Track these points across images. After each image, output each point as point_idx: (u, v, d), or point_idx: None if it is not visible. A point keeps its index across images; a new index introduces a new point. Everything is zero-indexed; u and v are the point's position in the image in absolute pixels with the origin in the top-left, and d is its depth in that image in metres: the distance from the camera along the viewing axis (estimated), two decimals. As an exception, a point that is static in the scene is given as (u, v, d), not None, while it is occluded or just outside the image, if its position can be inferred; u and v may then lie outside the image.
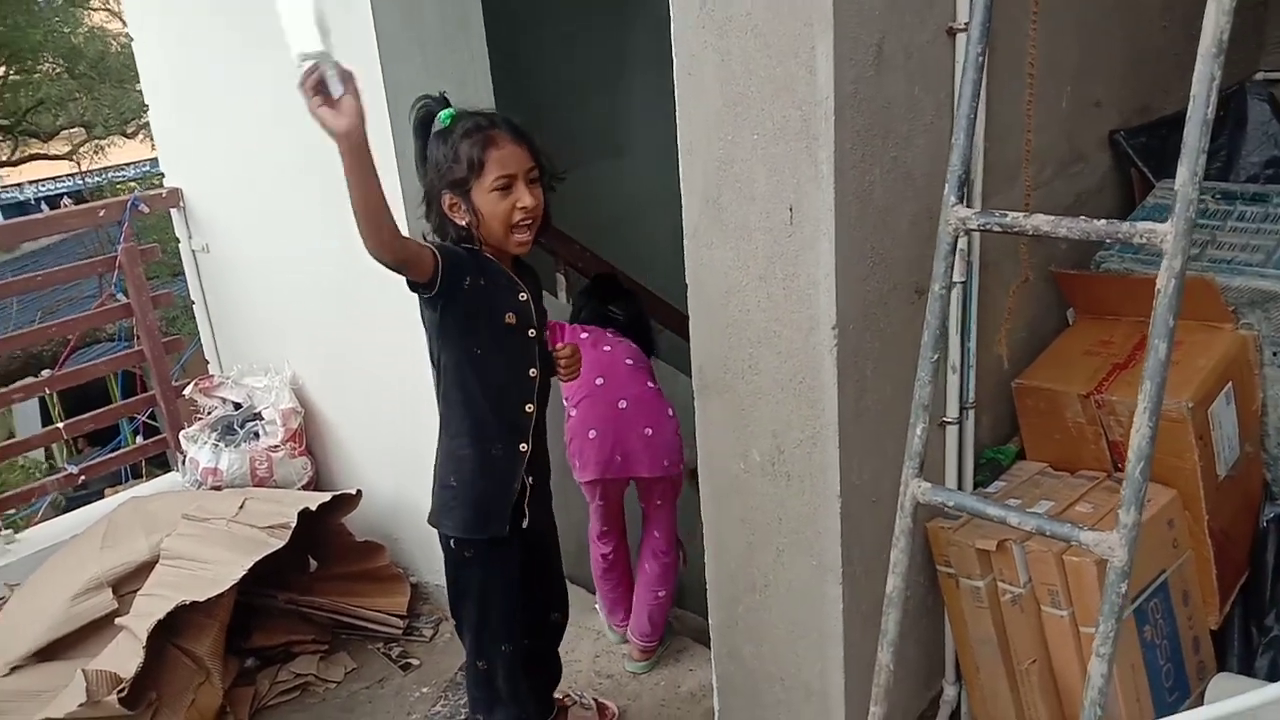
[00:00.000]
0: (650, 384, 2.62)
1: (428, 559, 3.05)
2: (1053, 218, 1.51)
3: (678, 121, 1.86)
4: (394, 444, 3.02)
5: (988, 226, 1.60)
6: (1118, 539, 1.47)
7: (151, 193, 3.34)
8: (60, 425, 3.25)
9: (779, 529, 2.01)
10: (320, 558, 3.02)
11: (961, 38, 1.83)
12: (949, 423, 2.13)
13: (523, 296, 1.98)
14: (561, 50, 4.12)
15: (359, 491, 2.90)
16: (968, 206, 1.67)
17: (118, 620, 2.52)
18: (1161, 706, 2.03)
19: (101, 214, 3.30)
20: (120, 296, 3.28)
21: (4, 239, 3.28)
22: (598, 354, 2.65)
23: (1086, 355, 2.30)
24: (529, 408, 2.01)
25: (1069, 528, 1.54)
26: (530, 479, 2.03)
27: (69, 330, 3.47)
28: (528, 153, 1.88)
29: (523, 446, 2.01)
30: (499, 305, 1.94)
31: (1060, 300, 2.49)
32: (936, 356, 1.66)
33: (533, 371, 2.01)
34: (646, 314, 2.82)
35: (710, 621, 2.25)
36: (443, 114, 1.85)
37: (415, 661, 2.81)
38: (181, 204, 3.35)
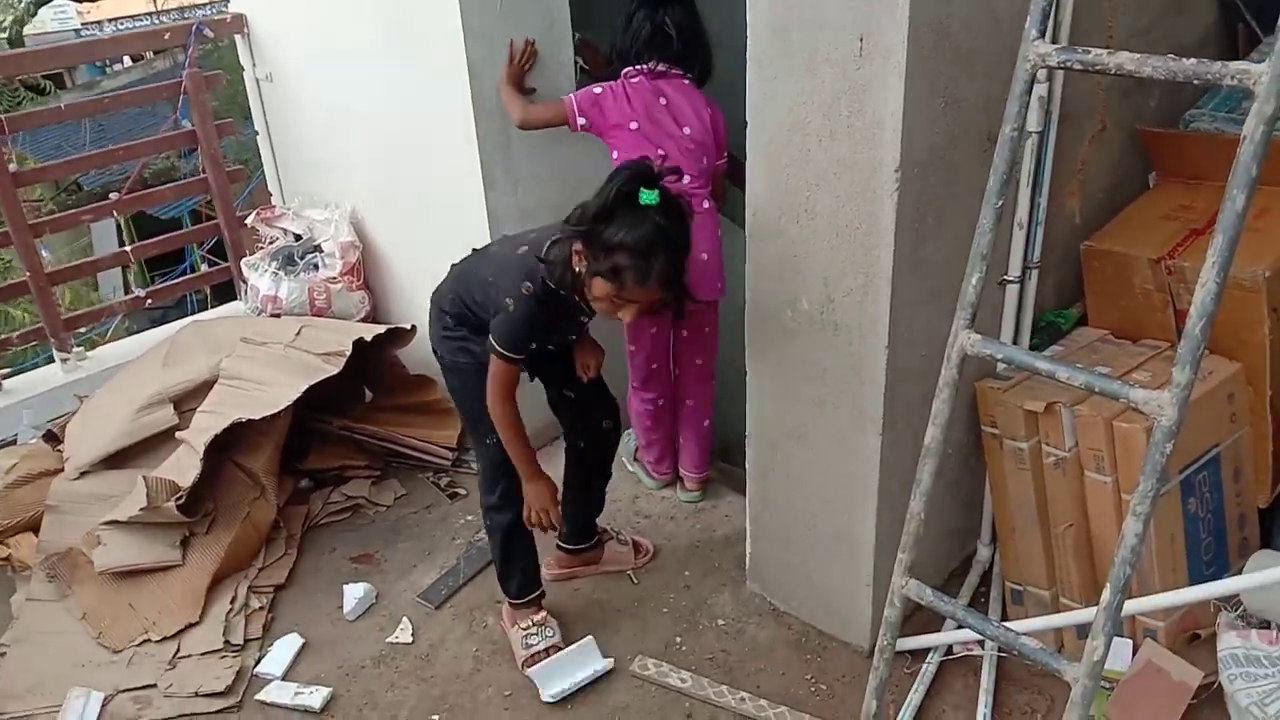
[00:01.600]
0: (706, 203, 2.53)
1: (478, 396, 3.10)
2: (1138, 56, 1.40)
3: (746, -57, 1.76)
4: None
5: (1068, 64, 1.49)
6: (1169, 398, 1.41)
7: (216, 18, 3.30)
8: (128, 249, 3.32)
9: (823, 378, 1.99)
10: (375, 389, 3.09)
11: None
12: (1010, 281, 2.07)
13: (584, 320, 2.11)
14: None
15: (413, 327, 2.93)
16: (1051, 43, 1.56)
17: (178, 434, 2.61)
18: (1198, 579, 2.00)
19: (166, 37, 3.28)
20: (185, 124, 3.29)
21: (74, 57, 3.27)
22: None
23: (1164, 220, 2.20)
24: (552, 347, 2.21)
25: (1118, 385, 1.48)
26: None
27: (135, 154, 3.49)
28: (664, 292, 1.89)
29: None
30: (550, 340, 2.14)
31: (1144, 164, 2.37)
32: (1000, 203, 1.58)
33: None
34: (701, 25, 2.47)
35: (747, 466, 2.27)
36: (645, 194, 1.78)
37: (462, 491, 2.89)
38: (246, 31, 3.30)
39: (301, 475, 2.90)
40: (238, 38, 3.37)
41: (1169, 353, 2.10)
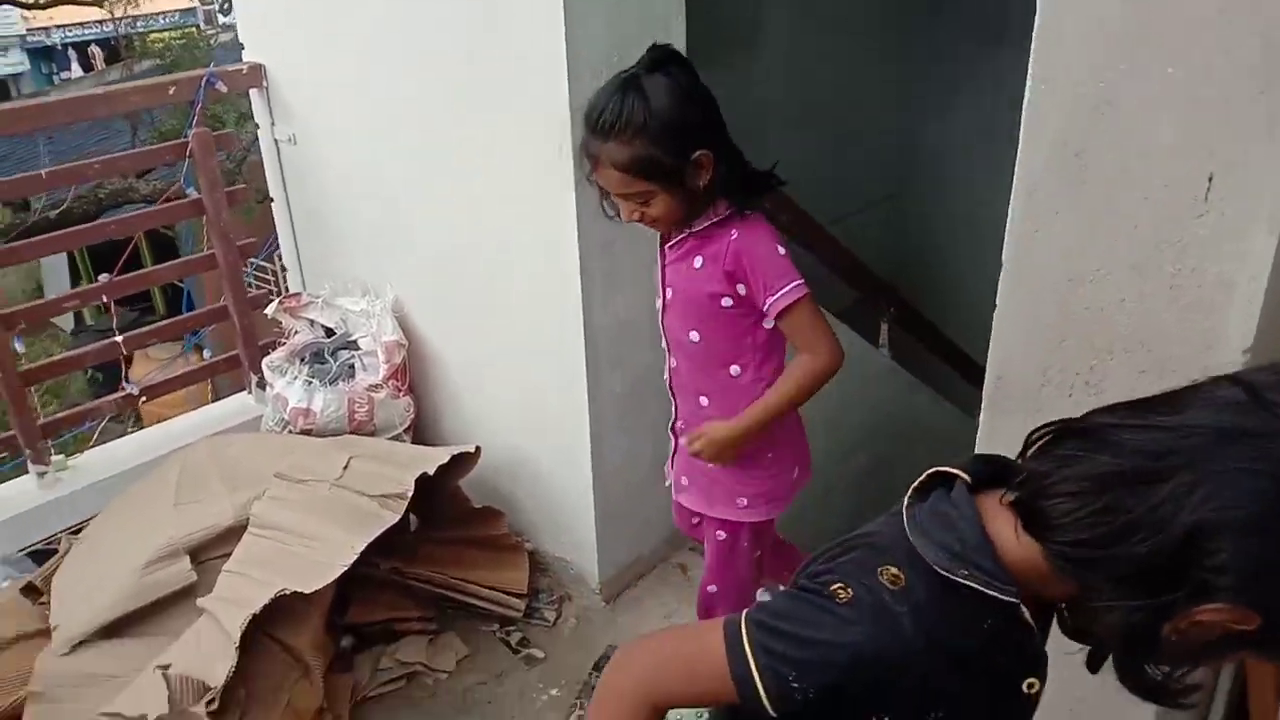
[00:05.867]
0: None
1: (550, 525, 2.61)
2: None
3: (1034, 37, 1.32)
4: (516, 388, 2.55)
5: None
6: None
7: (230, 69, 2.78)
8: (118, 339, 2.76)
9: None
10: (425, 517, 2.58)
11: None
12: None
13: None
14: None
15: (478, 449, 2.45)
16: None
17: (200, 601, 2.10)
18: None
19: (172, 91, 2.76)
20: (191, 191, 2.77)
21: (63, 116, 2.72)
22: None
23: None
24: None
25: None
26: None
27: (130, 228, 2.98)
28: None
29: None
30: None
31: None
32: None
33: None
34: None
35: None
36: None
37: (539, 654, 2.40)
38: (264, 84, 2.80)
39: (343, 631, 2.39)
40: (254, 92, 2.87)
41: None
